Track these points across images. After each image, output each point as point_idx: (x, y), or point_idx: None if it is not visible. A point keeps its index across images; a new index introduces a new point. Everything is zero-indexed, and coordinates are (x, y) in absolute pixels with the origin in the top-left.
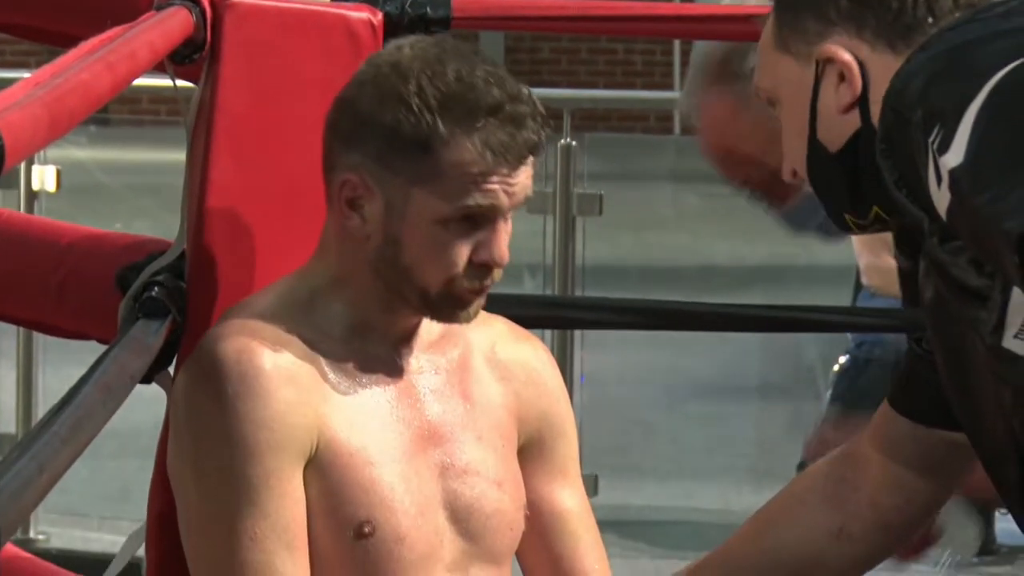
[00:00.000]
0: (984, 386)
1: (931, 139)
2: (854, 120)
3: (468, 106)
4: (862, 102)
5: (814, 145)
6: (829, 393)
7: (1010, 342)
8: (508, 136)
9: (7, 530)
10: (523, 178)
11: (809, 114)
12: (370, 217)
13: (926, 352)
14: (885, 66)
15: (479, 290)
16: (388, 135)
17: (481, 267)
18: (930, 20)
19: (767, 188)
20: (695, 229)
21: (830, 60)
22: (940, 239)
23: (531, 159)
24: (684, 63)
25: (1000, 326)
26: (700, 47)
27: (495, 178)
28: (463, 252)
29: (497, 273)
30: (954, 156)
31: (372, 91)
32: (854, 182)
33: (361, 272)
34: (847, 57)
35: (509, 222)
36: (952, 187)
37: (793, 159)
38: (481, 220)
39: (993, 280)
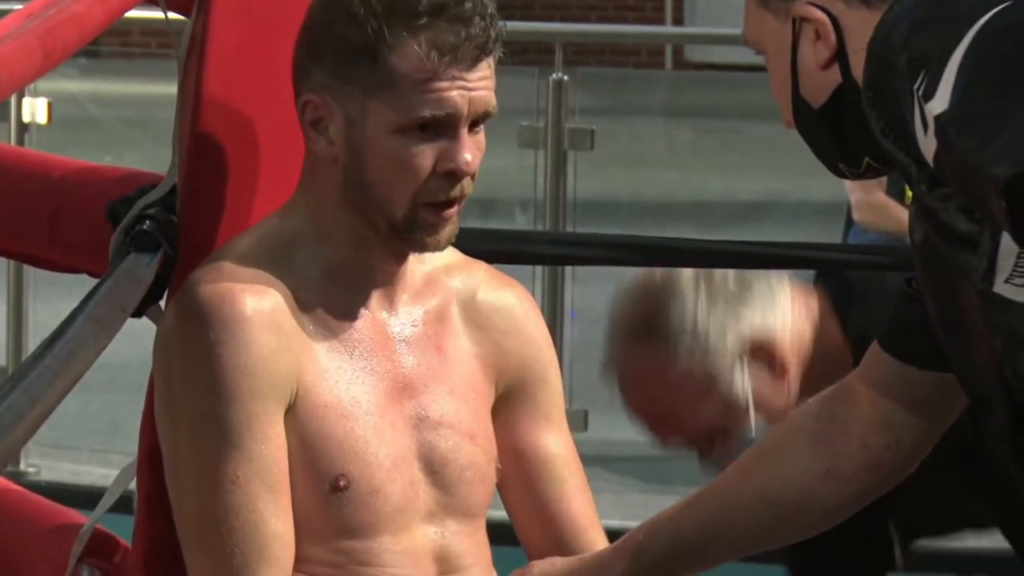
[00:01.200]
0: (974, 329)
1: (916, 86)
2: (835, 75)
3: (411, 8)
4: (840, 57)
5: (798, 101)
6: None
7: (1001, 287)
8: (454, 35)
9: (0, 462)
10: (479, 81)
11: (791, 71)
12: (335, 137)
13: (916, 293)
14: (860, 20)
15: (447, 203)
16: (339, 49)
17: (446, 176)
18: None
19: (699, 443)
20: (686, 164)
21: (804, 18)
22: (929, 186)
23: (485, 61)
24: None
25: (991, 271)
26: (618, 309)
27: (447, 81)
28: (425, 162)
29: (467, 185)
30: (939, 102)
31: (322, 9)
32: (841, 136)
33: (334, 203)
34: (819, 15)
35: (480, 134)
36: (938, 133)
37: (786, 110)
38: (441, 128)
39: (983, 226)
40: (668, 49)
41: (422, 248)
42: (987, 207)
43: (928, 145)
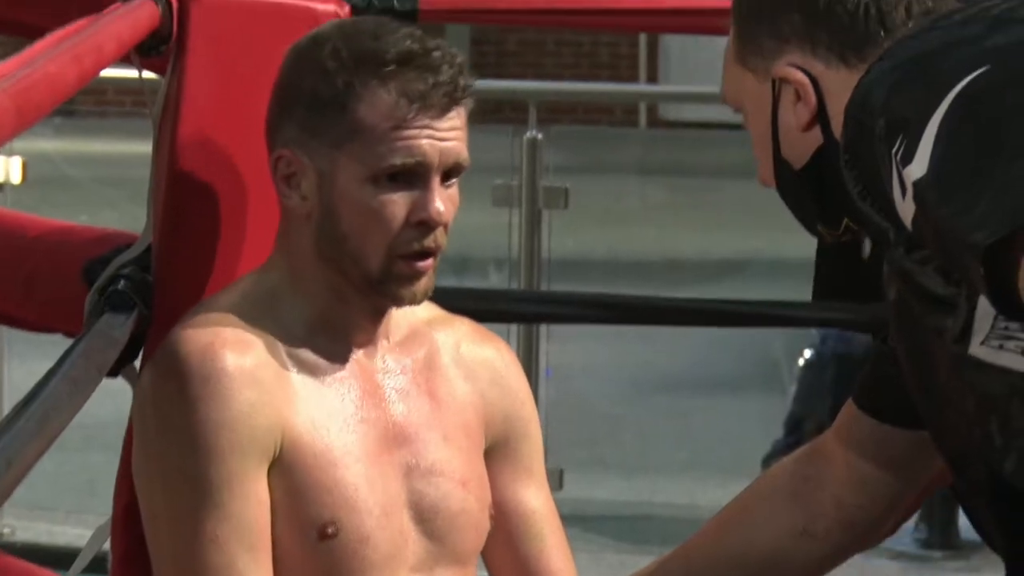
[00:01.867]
0: (948, 390)
1: (894, 150)
2: (816, 136)
3: (379, 57)
4: (821, 118)
5: (779, 162)
6: (794, 387)
7: (976, 349)
8: (423, 82)
9: None
10: (449, 131)
11: (771, 132)
12: (308, 191)
13: (891, 351)
14: (840, 80)
15: (421, 254)
16: (309, 102)
17: (419, 227)
18: (882, 33)
19: None
20: (661, 222)
21: (784, 80)
22: (907, 248)
23: (455, 111)
24: (650, 56)
25: (966, 333)
26: None
27: (416, 130)
28: (397, 212)
29: (440, 237)
30: (918, 167)
31: (292, 65)
32: (821, 197)
33: (310, 259)
34: (799, 76)
35: (453, 189)
36: (916, 198)
37: (764, 170)
38: (412, 178)
39: (960, 288)
40: (642, 107)
41: (398, 302)
42: (966, 272)
43: (906, 209)
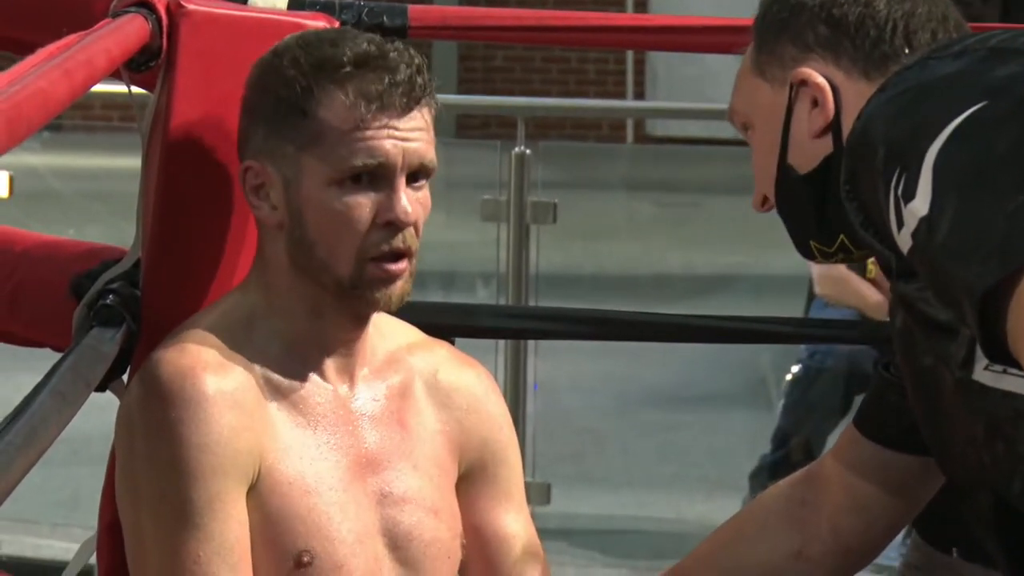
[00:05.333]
0: (953, 415)
1: (893, 183)
2: (826, 145)
3: (337, 61)
4: (835, 128)
5: (783, 168)
6: (781, 403)
7: (980, 374)
8: (380, 82)
9: None
10: (413, 132)
11: (781, 137)
12: (276, 201)
13: (894, 377)
14: (858, 93)
15: (392, 256)
16: (271, 112)
17: (386, 228)
18: (907, 51)
19: None
20: (647, 237)
21: (804, 83)
22: (908, 277)
23: (418, 111)
24: (637, 72)
25: (970, 359)
26: None
27: (376, 130)
28: (363, 213)
29: (410, 238)
30: (921, 204)
31: (255, 78)
32: (821, 207)
33: (285, 272)
34: (820, 80)
35: (423, 191)
36: (915, 235)
37: (763, 184)
38: (376, 180)
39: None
40: (629, 123)
41: (373, 306)
42: (960, 311)
43: (903, 242)
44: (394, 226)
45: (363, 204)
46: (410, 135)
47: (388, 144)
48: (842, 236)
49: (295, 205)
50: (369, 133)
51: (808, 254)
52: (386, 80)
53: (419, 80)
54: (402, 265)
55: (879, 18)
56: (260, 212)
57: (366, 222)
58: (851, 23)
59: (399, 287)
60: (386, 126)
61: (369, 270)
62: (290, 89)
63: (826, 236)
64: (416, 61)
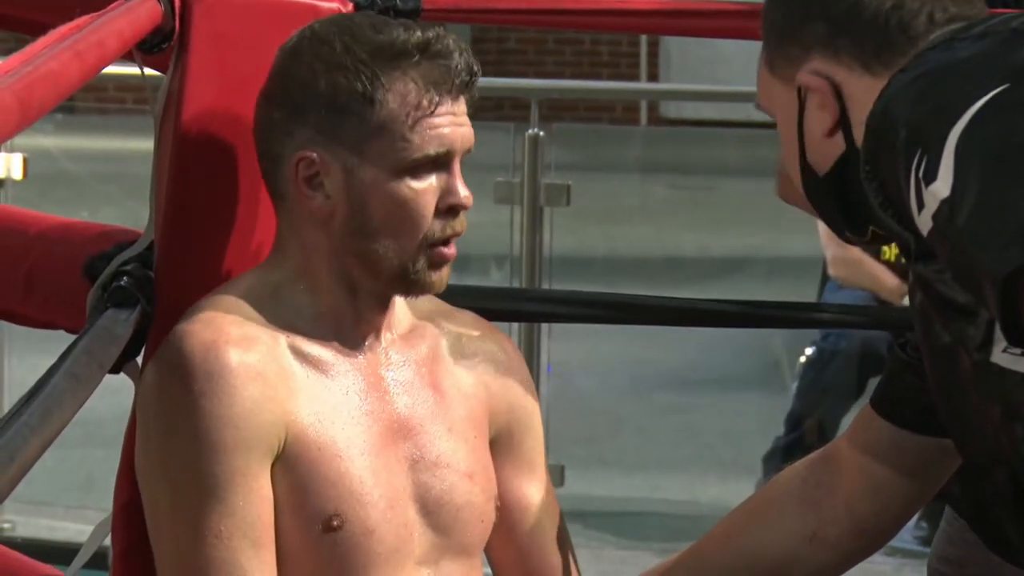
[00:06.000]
0: (971, 397)
1: (914, 164)
2: (839, 143)
3: (398, 48)
4: (844, 125)
5: (805, 168)
6: (795, 385)
7: (998, 356)
8: (442, 69)
9: None
10: (464, 116)
11: (798, 138)
12: (332, 191)
13: (912, 358)
14: (863, 88)
15: (449, 238)
16: (328, 102)
17: (448, 212)
18: (905, 40)
19: None
20: (661, 220)
21: (807, 87)
22: (926, 259)
23: (465, 94)
24: (650, 54)
25: (988, 341)
26: None
27: (441, 117)
28: (430, 200)
29: (462, 222)
30: (943, 186)
31: (297, 66)
32: (845, 204)
33: (325, 256)
34: (819, 83)
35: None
36: (935, 216)
37: (781, 181)
38: (437, 166)
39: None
40: (643, 105)
41: (428, 289)
42: (980, 294)
43: (923, 223)
44: (455, 210)
45: (430, 190)
46: (464, 120)
47: (452, 130)
48: (871, 226)
49: (357, 194)
50: (436, 120)
51: (847, 240)
52: (446, 67)
53: (473, 65)
54: (455, 248)
55: (869, 11)
56: (312, 202)
57: (432, 208)
58: (844, 19)
59: (447, 269)
60: (449, 112)
61: (429, 255)
62: (350, 78)
63: (856, 228)
64: (463, 46)
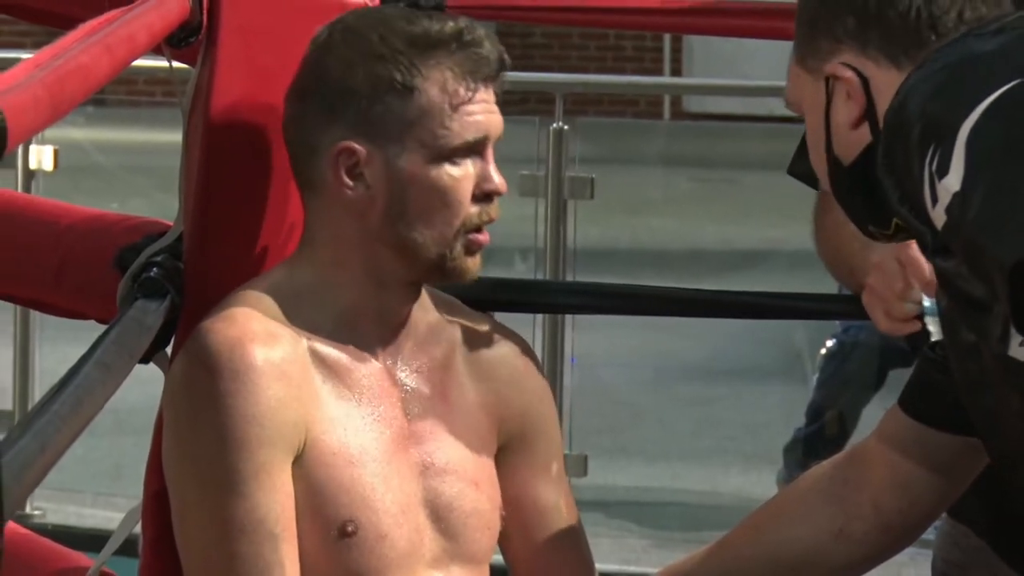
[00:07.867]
0: (995, 392)
1: (928, 159)
2: (865, 134)
3: (433, 38)
4: (871, 117)
5: (832, 159)
6: (816, 376)
7: (1016, 350)
8: (475, 57)
9: (11, 507)
10: (494, 103)
11: (824, 129)
12: (373, 180)
13: (940, 357)
14: (890, 81)
15: (484, 224)
16: (368, 92)
17: (484, 199)
18: (933, 37)
19: None
20: (684, 213)
21: (835, 77)
22: (944, 253)
23: (497, 82)
24: (674, 49)
25: (1005, 335)
26: None
27: (477, 104)
28: (467, 187)
29: (496, 208)
30: (955, 179)
31: (335, 61)
32: (869, 195)
33: (356, 247)
34: (848, 74)
35: None
36: (948, 210)
37: (819, 173)
38: (473, 153)
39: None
40: (666, 99)
41: (461, 275)
42: (992, 286)
43: (938, 217)
44: (490, 196)
45: (467, 177)
46: (495, 108)
47: (487, 117)
48: (895, 219)
49: (398, 182)
50: (472, 108)
51: (870, 235)
52: (480, 56)
53: (503, 55)
54: (487, 235)
55: (902, 6)
56: (352, 192)
57: (469, 195)
58: (874, 13)
59: (480, 257)
60: (483, 99)
61: (465, 241)
62: (388, 67)
63: (880, 221)
64: (492, 36)
